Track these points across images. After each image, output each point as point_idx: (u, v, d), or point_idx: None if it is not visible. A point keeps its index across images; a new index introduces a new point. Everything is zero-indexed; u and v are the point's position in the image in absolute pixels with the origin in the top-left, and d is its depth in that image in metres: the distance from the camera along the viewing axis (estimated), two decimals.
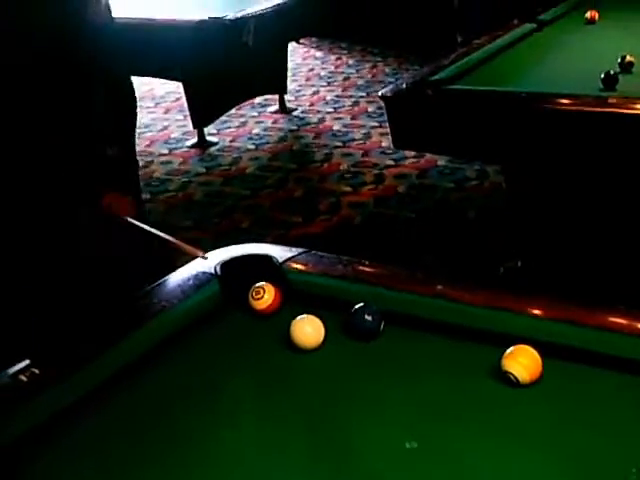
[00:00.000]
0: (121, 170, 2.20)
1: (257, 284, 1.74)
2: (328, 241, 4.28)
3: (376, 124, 6.08)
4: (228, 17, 5.38)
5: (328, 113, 6.56)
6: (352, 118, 6.39)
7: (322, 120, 6.40)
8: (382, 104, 3.45)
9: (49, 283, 2.19)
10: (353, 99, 6.90)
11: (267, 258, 1.87)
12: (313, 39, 8.97)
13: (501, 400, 1.44)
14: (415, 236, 4.34)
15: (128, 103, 2.31)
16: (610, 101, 2.91)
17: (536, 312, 1.62)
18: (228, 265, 1.85)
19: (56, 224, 2.17)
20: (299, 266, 1.86)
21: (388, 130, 3.37)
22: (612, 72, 3.17)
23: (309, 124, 6.35)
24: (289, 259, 1.88)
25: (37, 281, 2.19)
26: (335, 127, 6.21)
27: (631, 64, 3.40)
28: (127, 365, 1.57)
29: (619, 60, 3.39)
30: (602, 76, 3.15)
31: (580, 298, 1.68)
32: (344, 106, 6.72)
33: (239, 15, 5.48)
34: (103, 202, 2.13)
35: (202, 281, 1.84)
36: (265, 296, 1.73)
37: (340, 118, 6.41)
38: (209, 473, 1.31)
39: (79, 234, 2.20)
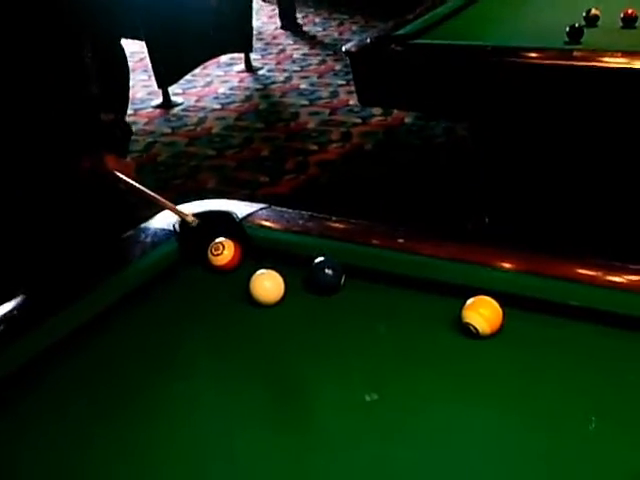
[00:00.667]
0: (116, 136, 2.14)
1: (216, 240, 1.71)
2: (295, 200, 4.24)
3: (343, 82, 6.03)
4: None
5: (295, 72, 6.50)
6: (319, 77, 6.34)
7: (289, 79, 6.34)
8: (349, 61, 3.41)
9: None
10: (320, 57, 6.84)
11: (226, 214, 1.84)
12: None
13: (462, 351, 1.43)
14: (382, 194, 4.32)
15: (120, 67, 2.24)
16: (575, 54, 2.89)
17: (498, 264, 1.60)
18: (187, 222, 1.82)
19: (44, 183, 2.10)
20: (259, 222, 1.83)
21: (354, 90, 3.34)
22: (577, 25, 3.15)
23: (275, 83, 6.29)
24: (249, 215, 1.85)
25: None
26: (302, 86, 6.15)
27: (596, 17, 3.38)
28: (84, 323, 1.54)
29: (584, 13, 3.37)
30: (567, 29, 3.13)
31: (542, 250, 1.67)
32: (311, 65, 6.66)
33: None
34: (105, 161, 2.06)
35: (161, 238, 1.81)
36: (224, 252, 1.70)
37: (307, 77, 6.35)
38: (162, 426, 1.30)
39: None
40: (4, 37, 1.94)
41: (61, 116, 2.05)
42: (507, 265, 1.60)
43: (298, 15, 8.31)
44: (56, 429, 1.31)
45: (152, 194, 1.93)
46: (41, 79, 2.02)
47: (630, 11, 3.35)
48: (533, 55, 2.90)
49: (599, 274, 1.57)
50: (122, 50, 2.25)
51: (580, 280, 1.54)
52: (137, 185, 1.99)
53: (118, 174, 1.99)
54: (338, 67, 6.42)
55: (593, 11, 3.38)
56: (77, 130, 2.06)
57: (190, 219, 1.81)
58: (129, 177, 2.02)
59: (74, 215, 2.11)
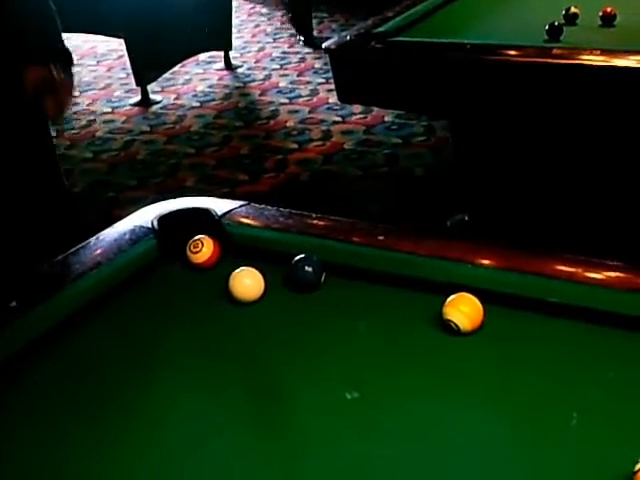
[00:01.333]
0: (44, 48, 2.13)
1: (195, 237, 1.70)
2: (275, 198, 4.22)
3: (323, 80, 6.02)
4: None
5: (274, 70, 6.48)
6: (299, 75, 6.32)
7: (268, 77, 6.32)
8: (328, 59, 3.40)
9: None
10: (300, 55, 6.82)
11: (205, 211, 1.82)
12: None
13: (443, 348, 1.42)
14: (362, 192, 4.31)
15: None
16: (554, 52, 2.89)
17: (478, 260, 1.59)
18: (165, 219, 1.80)
19: None
20: (239, 219, 1.82)
21: (334, 87, 3.33)
22: (556, 23, 3.16)
23: (255, 81, 6.26)
24: (228, 212, 1.84)
25: None
26: (281, 84, 6.13)
27: (576, 15, 3.39)
28: (62, 322, 1.52)
29: (564, 12, 3.38)
30: (547, 27, 3.13)
31: (522, 246, 1.67)
32: (290, 62, 6.64)
33: None
34: (28, 80, 2.02)
35: (139, 235, 1.78)
36: (203, 249, 1.68)
37: (286, 75, 6.33)
38: (141, 425, 1.28)
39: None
40: None
41: None
42: (487, 262, 1.59)
43: (277, 13, 8.29)
44: (32, 429, 1.29)
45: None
46: None
47: (609, 10, 3.36)
48: (512, 53, 2.90)
49: (578, 270, 1.56)
50: None
51: (559, 276, 1.53)
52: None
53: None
54: (318, 65, 6.41)
55: (572, 9, 3.39)
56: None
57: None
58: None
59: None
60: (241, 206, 1.87)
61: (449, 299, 1.44)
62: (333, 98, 5.41)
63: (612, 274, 1.56)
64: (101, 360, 1.46)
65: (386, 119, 5.23)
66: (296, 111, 5.56)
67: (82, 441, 1.25)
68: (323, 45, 3.28)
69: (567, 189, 3.20)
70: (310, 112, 5.52)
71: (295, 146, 4.97)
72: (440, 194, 4.11)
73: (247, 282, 1.58)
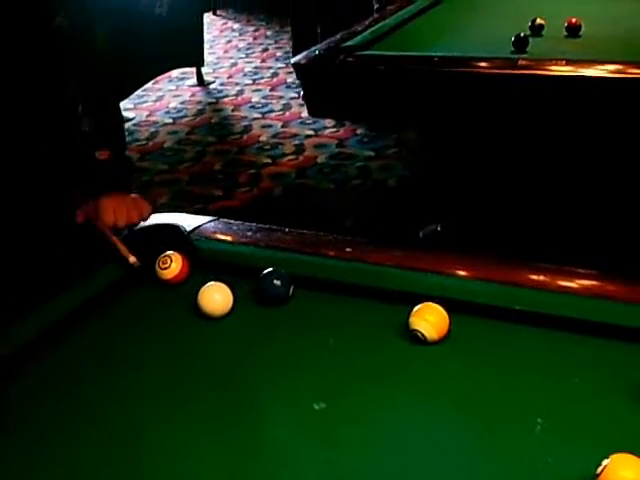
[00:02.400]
0: (115, 173, 1.93)
1: (164, 253, 1.70)
2: (248, 213, 4.24)
3: (295, 95, 6.04)
4: None
5: (247, 85, 6.50)
6: (271, 89, 6.35)
7: (241, 92, 6.34)
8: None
9: None
10: (272, 70, 6.85)
11: (174, 227, 1.83)
12: (230, 11, 8.87)
13: (410, 358, 1.44)
14: (336, 205, 4.33)
15: (112, 102, 2.13)
16: (520, 63, 2.92)
17: (445, 270, 1.61)
18: (135, 235, 1.81)
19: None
20: (207, 234, 1.83)
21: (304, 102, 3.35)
22: (522, 34, 3.20)
23: (227, 96, 6.28)
24: (197, 227, 1.85)
25: None
26: (254, 99, 6.16)
27: (541, 26, 3.44)
28: (30, 340, 1.51)
29: (529, 23, 3.42)
30: (513, 39, 3.17)
31: (490, 256, 1.69)
32: (263, 77, 6.67)
33: None
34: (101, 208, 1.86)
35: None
36: (172, 265, 1.69)
37: (259, 90, 6.36)
38: (112, 439, 1.28)
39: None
40: None
41: (53, 156, 1.94)
42: (454, 271, 1.61)
43: (249, 28, 8.33)
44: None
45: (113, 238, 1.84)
46: (28, 119, 1.93)
47: (574, 20, 3.41)
48: (479, 64, 2.93)
49: (546, 278, 1.58)
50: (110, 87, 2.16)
51: (526, 285, 1.55)
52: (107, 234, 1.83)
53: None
54: (290, 80, 6.44)
55: (538, 20, 3.44)
56: (70, 170, 1.93)
57: (132, 260, 1.74)
58: (138, 211, 1.87)
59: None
60: (210, 221, 1.88)
61: (415, 309, 1.46)
62: (305, 112, 5.42)
63: (582, 282, 1.58)
64: (72, 379, 1.45)
65: (358, 132, 5.26)
66: (269, 126, 5.58)
67: (51, 458, 1.25)
68: (292, 60, 3.29)
69: (535, 198, 3.24)
70: (283, 126, 5.55)
71: (268, 160, 4.99)
72: (413, 205, 4.13)
73: (216, 297, 1.59)
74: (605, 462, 1.09)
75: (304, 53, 3.32)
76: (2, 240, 1.93)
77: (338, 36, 3.40)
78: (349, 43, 3.24)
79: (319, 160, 4.94)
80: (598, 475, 1.09)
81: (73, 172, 1.94)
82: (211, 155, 5.14)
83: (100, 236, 1.81)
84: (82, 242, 1.86)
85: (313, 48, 3.36)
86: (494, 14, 3.85)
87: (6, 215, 1.93)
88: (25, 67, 1.90)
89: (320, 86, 3.16)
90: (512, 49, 3.16)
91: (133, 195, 1.90)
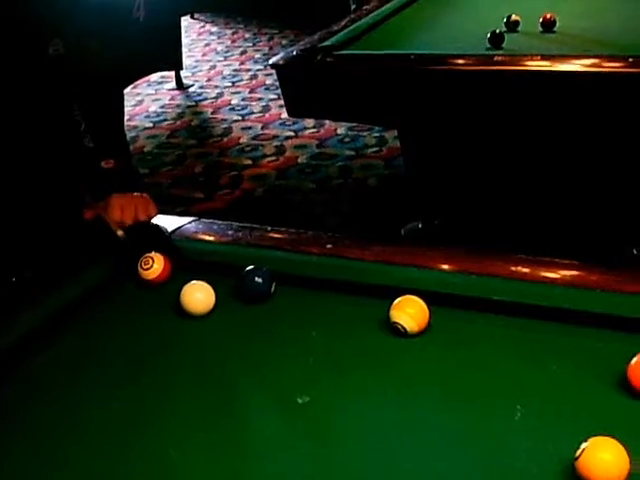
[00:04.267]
0: (125, 178, 2.05)
1: (145, 254, 1.71)
2: (230, 214, 4.25)
3: (275, 96, 6.05)
4: None
5: (226, 87, 6.51)
6: (250, 91, 6.36)
7: (220, 95, 6.35)
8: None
9: None
10: (251, 72, 6.86)
11: (155, 228, 1.84)
12: (208, 14, 8.88)
13: (392, 350, 1.46)
14: (318, 205, 4.35)
15: (117, 115, 2.21)
16: (495, 59, 2.96)
17: (424, 263, 1.63)
18: (116, 235, 1.82)
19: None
20: (189, 234, 1.84)
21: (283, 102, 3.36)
22: (498, 31, 3.23)
23: (207, 99, 6.29)
24: (178, 228, 1.86)
25: None
26: (233, 101, 6.16)
27: (517, 23, 3.47)
28: (16, 344, 1.52)
29: (505, 19, 3.45)
30: (488, 35, 3.20)
31: (467, 248, 1.71)
32: (242, 80, 6.68)
33: None
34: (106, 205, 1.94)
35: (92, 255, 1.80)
36: (154, 265, 1.70)
37: (238, 92, 6.37)
38: (102, 443, 1.29)
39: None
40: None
41: (58, 171, 2.03)
42: (432, 264, 1.63)
43: (227, 31, 8.33)
44: None
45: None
46: (33, 137, 1.99)
47: (549, 16, 3.45)
48: (455, 61, 2.96)
49: (524, 269, 1.61)
50: (120, 97, 2.22)
51: (504, 275, 1.58)
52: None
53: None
54: (269, 81, 6.45)
55: (513, 17, 3.47)
56: (76, 182, 2.03)
57: (120, 233, 1.81)
58: (145, 210, 1.93)
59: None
60: (190, 222, 1.90)
61: (395, 302, 1.47)
62: (285, 113, 5.44)
63: (560, 272, 1.61)
64: (56, 381, 1.46)
65: (339, 132, 5.28)
66: (249, 127, 5.59)
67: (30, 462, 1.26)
68: (270, 61, 3.31)
69: (515, 192, 3.27)
70: (263, 128, 5.56)
71: (249, 162, 5.00)
72: (394, 203, 4.15)
73: (198, 295, 1.60)
74: (584, 445, 1.11)
75: (282, 54, 3.34)
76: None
77: (316, 36, 3.42)
78: (326, 43, 3.26)
79: (300, 160, 4.96)
80: (577, 458, 1.11)
81: (80, 180, 2.02)
82: (192, 158, 5.15)
83: (106, 230, 1.87)
84: (89, 237, 1.92)
85: (291, 49, 3.38)
86: (469, 11, 3.88)
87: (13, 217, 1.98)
88: (26, 94, 1.96)
89: (298, 86, 3.18)
90: (488, 46, 3.18)
91: (141, 194, 1.97)
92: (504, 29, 3.36)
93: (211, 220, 1.92)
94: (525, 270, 1.61)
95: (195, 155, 5.19)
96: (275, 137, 5.36)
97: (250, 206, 4.41)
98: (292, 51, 3.30)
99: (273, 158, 5.03)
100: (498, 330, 1.47)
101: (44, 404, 1.39)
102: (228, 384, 1.42)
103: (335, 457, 1.22)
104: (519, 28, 3.46)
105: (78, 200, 1.99)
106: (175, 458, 1.23)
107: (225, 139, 5.43)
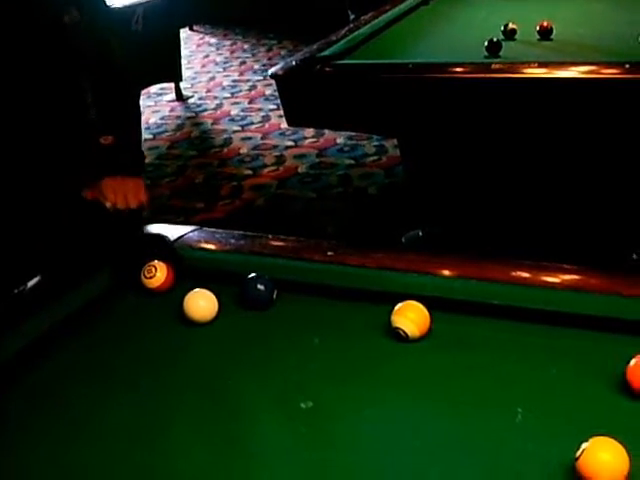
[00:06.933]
0: (120, 158, 2.09)
1: (148, 263, 1.73)
2: (231, 225, 4.26)
3: (274, 107, 6.08)
4: (115, 5, 5.30)
5: (225, 98, 6.53)
6: (250, 102, 6.39)
7: (220, 106, 6.37)
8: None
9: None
10: (250, 83, 6.89)
11: (158, 237, 1.86)
12: (207, 26, 8.92)
13: (394, 355, 1.47)
14: (318, 214, 4.36)
15: (122, 92, 2.24)
16: (493, 67, 2.97)
17: (425, 269, 1.65)
18: (119, 246, 1.84)
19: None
20: (191, 243, 1.86)
21: (283, 112, 3.38)
22: (495, 39, 3.25)
23: (207, 110, 6.31)
24: (181, 237, 1.87)
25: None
26: (233, 112, 6.19)
27: (514, 31, 3.49)
28: (19, 352, 1.53)
29: (502, 28, 3.47)
30: (486, 43, 3.22)
31: (468, 254, 1.73)
32: (241, 90, 6.71)
33: (127, 3, 5.41)
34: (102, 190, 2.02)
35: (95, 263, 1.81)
36: (157, 274, 1.72)
37: (238, 103, 6.40)
38: (107, 450, 1.30)
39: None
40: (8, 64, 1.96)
41: (61, 142, 2.07)
42: (433, 270, 1.65)
43: (226, 43, 8.36)
44: None
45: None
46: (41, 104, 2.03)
47: (545, 24, 3.47)
48: (453, 70, 2.97)
49: (524, 274, 1.63)
50: (125, 75, 2.23)
51: (504, 280, 1.59)
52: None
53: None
54: (268, 92, 6.47)
55: (510, 25, 3.49)
56: (77, 155, 2.07)
57: (108, 205, 1.95)
58: (135, 200, 2.03)
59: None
60: (192, 231, 1.91)
61: (396, 307, 1.49)
62: (284, 123, 5.46)
63: (561, 276, 1.62)
64: (63, 389, 1.47)
65: (338, 141, 5.30)
66: (249, 138, 5.61)
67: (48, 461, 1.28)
68: (269, 71, 3.33)
69: (516, 198, 3.28)
70: (262, 138, 5.58)
71: (249, 172, 5.02)
72: (394, 212, 4.17)
73: (201, 303, 1.62)
74: (584, 446, 1.13)
75: (281, 64, 3.36)
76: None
77: (314, 46, 3.44)
78: (325, 53, 3.28)
79: (300, 170, 4.98)
80: (577, 458, 1.12)
81: (79, 155, 2.08)
82: (192, 169, 5.17)
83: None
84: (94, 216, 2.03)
85: (290, 59, 3.40)
86: (467, 20, 3.91)
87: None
88: (36, 59, 2.00)
89: (298, 96, 3.20)
90: (485, 54, 3.20)
91: (134, 180, 2.05)
92: (501, 37, 3.38)
93: (213, 229, 1.93)
94: (525, 275, 1.63)
95: (195, 166, 5.22)
96: (275, 147, 5.38)
97: (251, 216, 4.42)
98: (291, 61, 3.32)
99: (273, 168, 5.05)
100: (498, 334, 1.49)
101: (50, 412, 1.40)
102: (232, 389, 1.43)
103: (339, 461, 1.23)
104: (516, 36, 3.48)
105: (78, 177, 2.04)
106: (180, 464, 1.25)
107: (225, 149, 5.46)
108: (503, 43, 3.26)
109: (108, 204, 1.97)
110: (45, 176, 2.06)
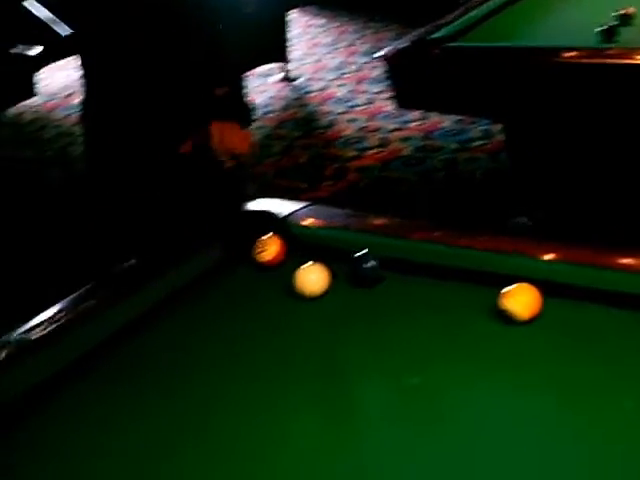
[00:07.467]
0: (233, 108, 2.32)
1: (261, 237, 1.77)
2: (335, 205, 4.27)
3: (379, 89, 6.06)
4: None
5: (331, 80, 6.56)
6: (356, 84, 6.39)
7: (326, 87, 6.40)
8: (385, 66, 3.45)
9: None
10: (356, 65, 6.89)
11: (270, 212, 1.90)
12: (314, 7, 8.95)
13: (500, 338, 1.47)
14: (421, 197, 4.35)
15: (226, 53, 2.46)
16: (608, 52, 2.91)
17: (532, 253, 1.64)
18: (232, 221, 1.89)
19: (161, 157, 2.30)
20: (302, 219, 1.89)
21: (391, 94, 3.38)
22: (611, 24, 3.17)
23: (313, 92, 6.35)
24: (293, 212, 1.91)
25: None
26: (339, 94, 6.21)
27: (631, 16, 3.40)
28: (130, 325, 1.60)
29: (618, 12, 3.39)
30: (601, 28, 3.15)
31: (580, 241, 1.71)
32: (347, 73, 6.71)
33: None
34: (211, 131, 2.22)
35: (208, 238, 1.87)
36: (269, 249, 1.76)
37: (344, 85, 6.41)
38: (218, 419, 1.36)
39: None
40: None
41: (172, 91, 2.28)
42: (543, 254, 1.64)
43: (333, 25, 8.38)
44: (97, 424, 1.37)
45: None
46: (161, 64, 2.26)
47: None
48: (567, 55, 2.92)
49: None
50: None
51: (619, 268, 1.57)
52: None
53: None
54: (374, 75, 6.46)
55: (628, 10, 3.40)
56: (190, 105, 2.27)
57: (229, 164, 2.14)
58: (241, 146, 2.22)
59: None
60: (304, 207, 1.95)
61: (506, 290, 1.49)
62: (390, 106, 5.46)
63: None
64: (165, 363, 1.53)
65: (444, 124, 5.26)
66: (354, 120, 5.63)
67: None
68: (380, 52, 3.34)
69: (625, 187, 3.21)
70: (368, 120, 5.59)
71: (354, 154, 5.04)
72: (499, 197, 4.12)
73: (313, 277, 1.65)
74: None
75: (391, 46, 3.37)
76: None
77: (424, 29, 3.43)
78: (437, 35, 3.27)
79: (404, 153, 4.97)
80: None
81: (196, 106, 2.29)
82: (297, 149, 5.22)
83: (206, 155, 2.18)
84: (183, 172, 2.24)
85: (401, 40, 3.40)
86: (580, 5, 3.82)
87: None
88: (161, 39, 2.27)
89: (409, 78, 3.20)
90: (600, 39, 3.14)
91: (242, 129, 2.27)
92: (617, 22, 3.30)
93: (324, 206, 1.97)
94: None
95: (300, 146, 5.27)
96: (380, 129, 5.38)
97: (354, 197, 4.44)
98: (403, 43, 3.32)
99: (377, 150, 5.06)
100: (610, 323, 1.47)
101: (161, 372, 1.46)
102: (341, 364, 1.47)
103: (446, 437, 1.25)
104: (634, 21, 3.39)
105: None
106: (294, 429, 1.28)
107: (330, 131, 5.49)
108: (619, 28, 3.19)
109: (215, 142, 2.12)
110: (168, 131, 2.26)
